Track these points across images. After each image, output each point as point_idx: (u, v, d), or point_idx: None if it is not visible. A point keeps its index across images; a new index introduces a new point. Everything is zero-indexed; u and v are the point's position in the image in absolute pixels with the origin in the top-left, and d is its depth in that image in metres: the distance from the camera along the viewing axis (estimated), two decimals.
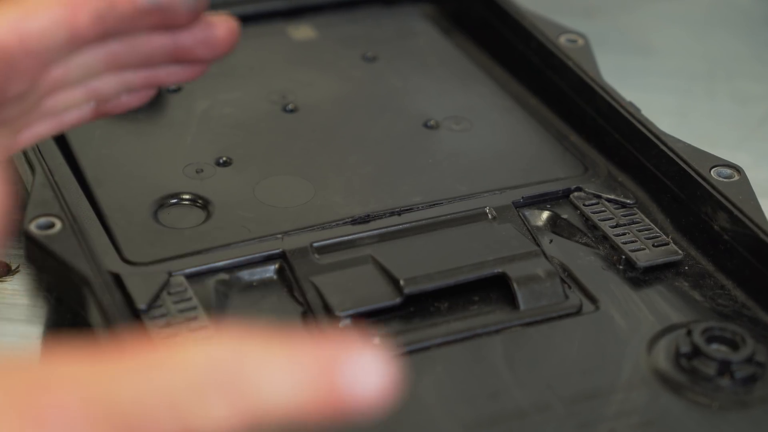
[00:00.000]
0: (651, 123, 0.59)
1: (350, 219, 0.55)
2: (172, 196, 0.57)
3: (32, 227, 0.50)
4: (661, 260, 0.54)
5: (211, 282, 0.52)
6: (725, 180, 0.55)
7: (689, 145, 0.58)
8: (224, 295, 0.52)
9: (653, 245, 0.55)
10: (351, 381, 0.27)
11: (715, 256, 0.55)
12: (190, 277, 0.51)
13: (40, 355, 0.30)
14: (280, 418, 0.27)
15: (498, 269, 0.52)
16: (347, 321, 0.50)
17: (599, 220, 0.56)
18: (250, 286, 0.52)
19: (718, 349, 0.49)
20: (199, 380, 0.28)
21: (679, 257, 0.55)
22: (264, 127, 0.63)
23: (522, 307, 0.51)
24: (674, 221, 0.57)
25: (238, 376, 0.28)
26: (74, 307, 0.50)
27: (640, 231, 0.56)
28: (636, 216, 0.57)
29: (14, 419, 0.28)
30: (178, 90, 0.65)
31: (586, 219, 0.57)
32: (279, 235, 0.54)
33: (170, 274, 0.51)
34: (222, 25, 0.47)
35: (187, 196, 0.57)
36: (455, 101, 0.65)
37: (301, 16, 0.73)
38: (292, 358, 0.28)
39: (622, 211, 0.57)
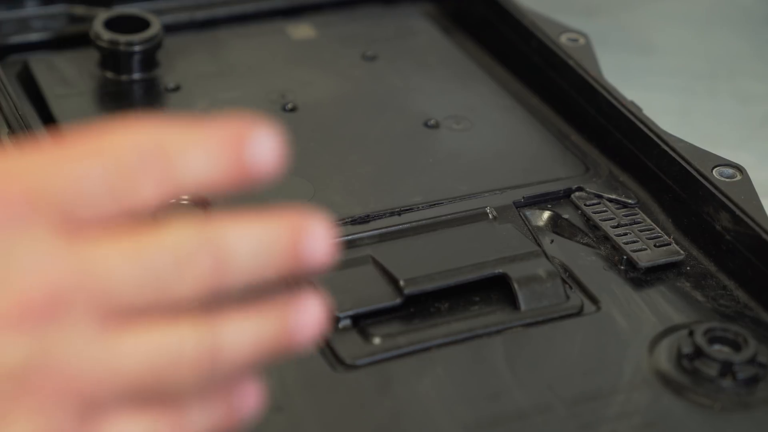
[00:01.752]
0: (652, 122, 0.59)
1: (350, 219, 0.55)
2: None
3: None
4: (662, 260, 0.54)
5: None
6: (727, 180, 0.55)
7: (691, 145, 0.57)
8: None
9: (655, 245, 0.55)
10: (253, 154, 0.32)
11: (717, 256, 0.55)
12: None
13: None
14: (198, 189, 0.32)
15: (499, 269, 0.52)
16: (347, 321, 0.50)
17: (600, 220, 0.56)
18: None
19: (720, 350, 0.49)
20: (129, 164, 0.31)
21: (681, 257, 0.54)
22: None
23: (523, 307, 0.51)
24: (676, 221, 0.57)
25: (162, 158, 0.31)
26: None
27: (641, 231, 0.56)
28: (637, 216, 0.57)
29: None
30: (176, 89, 0.65)
31: (588, 219, 0.57)
32: None
33: None
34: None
35: (185, 196, 0.56)
36: (455, 100, 0.65)
37: (300, 15, 0.73)
38: (205, 139, 0.32)
39: (623, 211, 0.57)
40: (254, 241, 0.32)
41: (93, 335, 0.31)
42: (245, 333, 0.32)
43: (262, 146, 0.32)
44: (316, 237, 0.33)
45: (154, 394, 0.32)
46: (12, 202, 0.30)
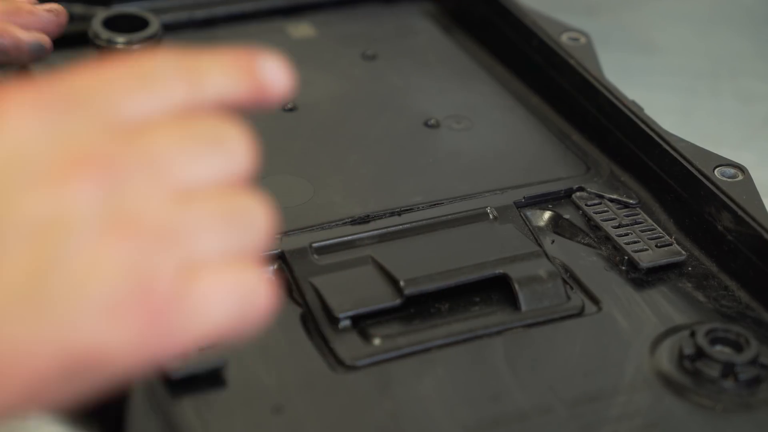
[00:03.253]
0: (654, 122, 0.59)
1: (350, 219, 0.55)
2: None
3: None
4: (664, 261, 0.54)
5: None
6: (729, 180, 0.55)
7: (692, 145, 0.57)
8: None
9: (656, 246, 0.55)
10: (266, 75, 0.36)
11: (719, 256, 0.54)
12: None
13: None
14: (219, 104, 0.35)
15: (499, 270, 0.52)
16: (347, 322, 0.50)
17: (601, 220, 0.56)
18: None
19: (721, 351, 0.48)
20: (161, 73, 0.34)
21: (683, 258, 0.54)
22: (262, 126, 0.62)
23: (523, 308, 0.51)
24: (677, 221, 0.56)
25: (194, 70, 0.34)
26: None
27: (642, 231, 0.55)
28: (639, 216, 0.56)
29: None
30: None
31: (588, 219, 0.56)
32: (277, 236, 0.53)
33: None
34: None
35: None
36: (456, 100, 0.65)
37: (300, 14, 0.72)
38: (223, 62, 0.35)
39: (624, 211, 0.57)
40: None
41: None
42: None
43: (272, 69, 0.36)
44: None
45: None
46: (60, 99, 0.32)
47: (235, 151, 0.35)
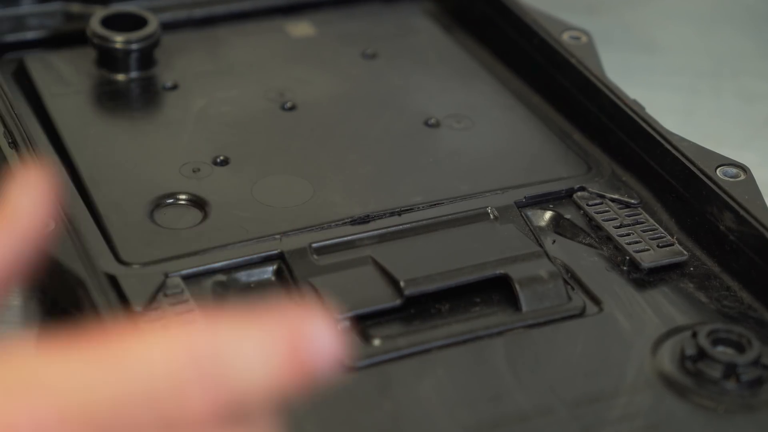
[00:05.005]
0: (655, 121, 0.59)
1: (350, 219, 0.55)
2: (169, 195, 0.56)
3: None
4: (665, 261, 0.54)
5: (208, 283, 0.51)
6: (731, 179, 0.55)
7: (694, 144, 0.57)
8: (222, 297, 0.51)
9: (658, 246, 0.54)
10: (312, 356, 0.29)
11: (721, 256, 0.54)
12: (187, 278, 0.51)
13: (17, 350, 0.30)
14: (250, 398, 0.29)
15: (500, 270, 0.51)
16: (347, 323, 0.49)
17: (603, 220, 0.56)
18: (247, 288, 0.52)
19: (723, 352, 0.48)
20: (178, 373, 0.28)
21: (684, 258, 0.54)
22: (262, 126, 0.62)
23: (524, 308, 0.51)
24: (679, 221, 0.56)
25: (215, 367, 0.28)
26: (69, 309, 0.50)
27: (644, 231, 0.55)
28: (640, 216, 0.56)
29: None
30: (174, 88, 0.64)
31: (590, 219, 0.56)
32: (277, 236, 0.53)
33: (167, 276, 0.50)
34: None
35: (183, 196, 0.56)
36: (456, 99, 0.65)
37: (299, 13, 0.72)
38: (262, 342, 0.29)
39: (626, 211, 0.56)
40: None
41: None
42: None
43: (320, 346, 0.29)
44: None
45: None
46: (42, 418, 0.28)
47: None
